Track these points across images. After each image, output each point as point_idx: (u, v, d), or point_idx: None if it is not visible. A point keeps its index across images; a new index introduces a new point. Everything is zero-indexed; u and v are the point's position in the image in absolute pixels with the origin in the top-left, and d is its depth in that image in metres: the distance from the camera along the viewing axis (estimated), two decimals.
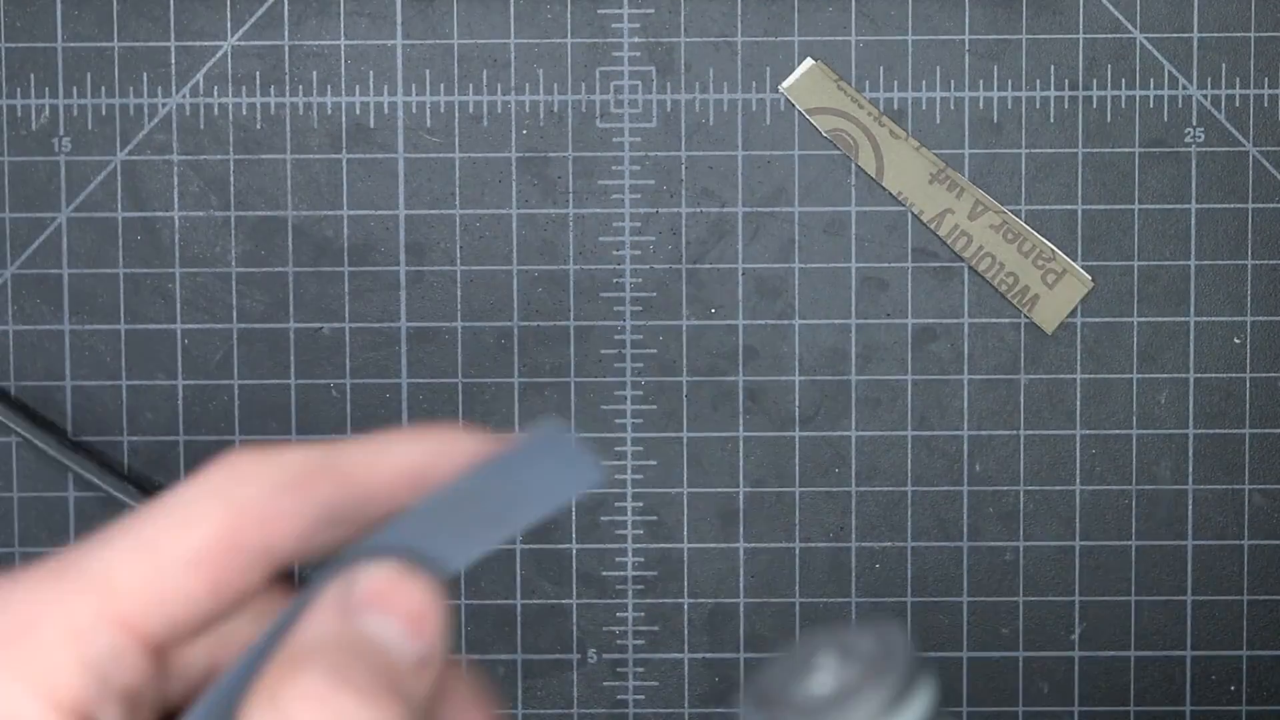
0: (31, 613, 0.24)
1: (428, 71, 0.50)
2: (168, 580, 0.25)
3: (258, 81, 0.50)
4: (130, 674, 0.25)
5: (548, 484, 0.27)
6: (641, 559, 0.50)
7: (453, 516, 0.26)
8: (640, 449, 0.50)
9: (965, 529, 0.50)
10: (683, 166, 0.50)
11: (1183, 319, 0.50)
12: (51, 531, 0.50)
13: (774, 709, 0.25)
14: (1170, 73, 0.49)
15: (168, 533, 0.25)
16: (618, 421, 0.50)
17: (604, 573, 0.50)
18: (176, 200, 0.50)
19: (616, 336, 0.50)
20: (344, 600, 0.25)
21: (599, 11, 0.50)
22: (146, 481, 0.50)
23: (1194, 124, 0.49)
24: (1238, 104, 0.49)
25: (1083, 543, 0.50)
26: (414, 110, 0.50)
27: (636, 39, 0.50)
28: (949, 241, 0.50)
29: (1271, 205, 0.49)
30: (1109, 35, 0.49)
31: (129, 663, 0.25)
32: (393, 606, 0.25)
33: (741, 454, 0.50)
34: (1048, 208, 0.50)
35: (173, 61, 0.50)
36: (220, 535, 0.25)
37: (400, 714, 0.24)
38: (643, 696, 0.50)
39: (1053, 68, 0.49)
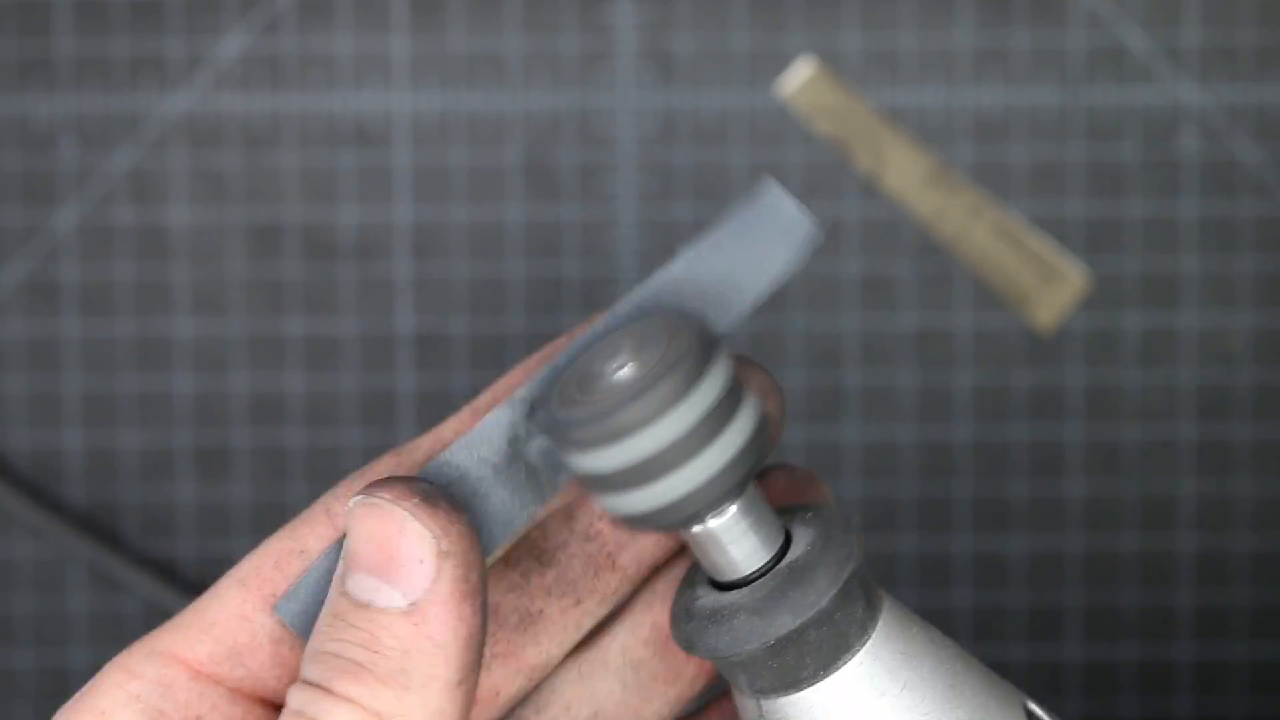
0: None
1: (428, 73, 0.50)
2: (210, 605, 0.26)
3: (260, 83, 0.50)
4: (189, 704, 0.26)
5: (765, 252, 0.27)
6: None
7: (683, 294, 0.27)
8: None
9: (964, 528, 0.50)
10: (682, 167, 0.50)
11: (1180, 319, 0.50)
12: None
13: (576, 405, 0.25)
14: (1168, 74, 0.50)
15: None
16: None
17: None
18: (178, 201, 0.50)
19: None
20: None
21: (599, 12, 0.50)
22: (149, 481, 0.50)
23: (1191, 124, 0.50)
24: (1235, 105, 0.50)
25: (1082, 542, 0.50)
26: (415, 111, 0.50)
27: (636, 39, 0.50)
28: (948, 242, 0.50)
29: (1269, 205, 0.50)
30: (1107, 37, 0.50)
31: (183, 694, 0.26)
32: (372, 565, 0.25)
33: None
34: (1046, 208, 0.50)
35: (175, 63, 0.50)
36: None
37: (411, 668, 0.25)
38: None
39: (1051, 69, 0.50)
